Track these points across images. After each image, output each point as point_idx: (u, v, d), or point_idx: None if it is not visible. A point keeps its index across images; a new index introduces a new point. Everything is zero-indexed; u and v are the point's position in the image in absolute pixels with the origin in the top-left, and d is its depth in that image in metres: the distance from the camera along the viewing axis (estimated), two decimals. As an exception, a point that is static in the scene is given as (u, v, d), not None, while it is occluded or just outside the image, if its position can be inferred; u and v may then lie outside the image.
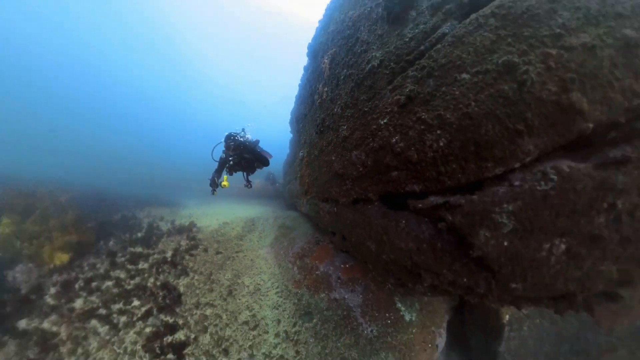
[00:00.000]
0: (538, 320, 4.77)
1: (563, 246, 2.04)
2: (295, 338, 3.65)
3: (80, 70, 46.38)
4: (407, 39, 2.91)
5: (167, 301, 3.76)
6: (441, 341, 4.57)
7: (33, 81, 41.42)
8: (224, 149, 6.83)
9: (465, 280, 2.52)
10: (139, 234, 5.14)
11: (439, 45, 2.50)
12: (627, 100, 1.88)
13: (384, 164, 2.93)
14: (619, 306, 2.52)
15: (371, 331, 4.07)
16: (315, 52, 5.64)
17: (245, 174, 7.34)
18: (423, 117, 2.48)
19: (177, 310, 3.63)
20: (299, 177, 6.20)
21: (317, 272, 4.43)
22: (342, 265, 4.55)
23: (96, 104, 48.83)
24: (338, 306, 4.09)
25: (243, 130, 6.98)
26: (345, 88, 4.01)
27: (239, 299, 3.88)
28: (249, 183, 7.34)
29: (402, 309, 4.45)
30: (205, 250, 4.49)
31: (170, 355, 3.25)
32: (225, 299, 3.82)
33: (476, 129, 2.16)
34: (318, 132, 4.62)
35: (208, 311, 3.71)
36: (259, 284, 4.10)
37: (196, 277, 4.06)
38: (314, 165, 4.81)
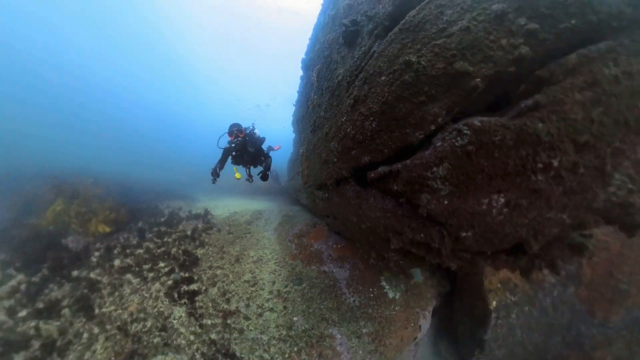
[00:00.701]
0: (527, 308, 4.79)
1: (502, 200, 2.20)
2: (285, 296, 4.36)
3: (72, 70, 44.68)
4: (355, 59, 3.97)
5: (187, 263, 4.74)
6: (425, 323, 4.88)
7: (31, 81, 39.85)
8: (229, 139, 6.89)
9: (422, 235, 2.94)
10: (162, 219, 5.99)
11: (370, 61, 3.41)
12: (509, 53, 2.18)
13: (346, 147, 3.84)
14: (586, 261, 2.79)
15: (353, 301, 4.54)
16: (307, 66, 7.11)
17: (247, 168, 7.45)
18: (362, 111, 3.40)
19: (194, 269, 4.57)
20: (300, 171, 7.05)
21: (311, 249, 5.17)
22: (334, 245, 5.23)
23: (101, 107, 47.94)
24: (326, 277, 4.75)
25: (252, 125, 7.24)
26: (326, 96, 5.14)
27: (244, 265, 4.74)
28: (250, 177, 7.52)
29: (387, 287, 4.87)
30: (219, 230, 5.43)
31: (184, 301, 4.13)
32: (232, 264, 4.71)
33: (392, 109, 2.89)
34: (312, 131, 5.69)
35: (218, 271, 4.61)
36: (261, 256, 4.95)
37: (210, 248, 4.99)
38: (310, 158, 5.79)
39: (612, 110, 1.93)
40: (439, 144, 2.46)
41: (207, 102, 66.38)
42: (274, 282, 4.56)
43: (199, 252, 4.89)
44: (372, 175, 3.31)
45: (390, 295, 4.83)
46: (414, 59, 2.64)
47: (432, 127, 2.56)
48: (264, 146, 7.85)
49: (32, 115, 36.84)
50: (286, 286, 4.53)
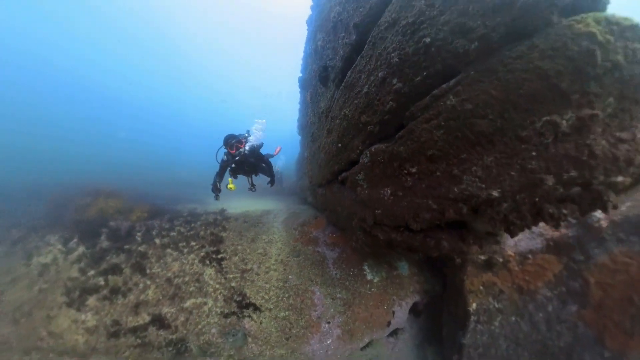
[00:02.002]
0: (514, 319, 3.82)
1: (389, 191, 2.98)
2: (285, 262, 5.10)
3: (72, 71, 39.72)
4: (327, 99, 4.81)
5: (214, 241, 5.47)
6: (400, 312, 4.57)
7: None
8: (225, 151, 6.07)
9: (363, 214, 3.60)
10: (184, 214, 6.38)
11: (333, 104, 4.36)
12: (385, 107, 2.86)
13: (327, 159, 4.70)
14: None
15: (335, 274, 4.90)
16: (303, 85, 7.33)
17: (249, 177, 6.57)
18: (332, 137, 4.37)
19: (220, 246, 5.33)
20: (306, 172, 7.06)
21: (310, 235, 5.34)
22: (329, 234, 5.30)
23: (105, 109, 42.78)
24: (318, 255, 5.24)
25: (248, 132, 6.14)
26: (316, 118, 5.78)
27: (258, 244, 5.35)
28: (253, 186, 6.64)
29: (367, 270, 5.00)
30: (236, 220, 6.01)
31: (214, 264, 4.96)
32: (249, 243, 5.40)
33: (342, 140, 3.92)
34: (311, 140, 6.35)
35: (239, 247, 5.32)
36: (271, 239, 5.47)
37: (231, 233, 5.68)
38: (312, 162, 6.28)
39: (452, 131, 2.16)
40: (360, 160, 3.47)
41: (212, 96, 56.98)
42: (279, 254, 5.25)
43: (223, 234, 5.59)
44: (339, 178, 4.30)
45: (369, 277, 4.94)
46: (346, 112, 3.62)
47: (358, 152, 3.50)
48: (262, 151, 6.86)
49: (33, 119, 32.72)
50: (287, 257, 5.19)
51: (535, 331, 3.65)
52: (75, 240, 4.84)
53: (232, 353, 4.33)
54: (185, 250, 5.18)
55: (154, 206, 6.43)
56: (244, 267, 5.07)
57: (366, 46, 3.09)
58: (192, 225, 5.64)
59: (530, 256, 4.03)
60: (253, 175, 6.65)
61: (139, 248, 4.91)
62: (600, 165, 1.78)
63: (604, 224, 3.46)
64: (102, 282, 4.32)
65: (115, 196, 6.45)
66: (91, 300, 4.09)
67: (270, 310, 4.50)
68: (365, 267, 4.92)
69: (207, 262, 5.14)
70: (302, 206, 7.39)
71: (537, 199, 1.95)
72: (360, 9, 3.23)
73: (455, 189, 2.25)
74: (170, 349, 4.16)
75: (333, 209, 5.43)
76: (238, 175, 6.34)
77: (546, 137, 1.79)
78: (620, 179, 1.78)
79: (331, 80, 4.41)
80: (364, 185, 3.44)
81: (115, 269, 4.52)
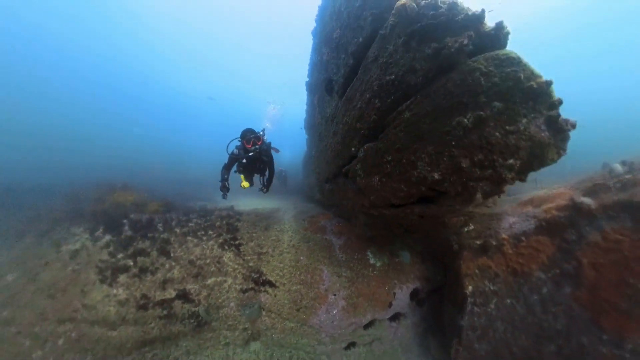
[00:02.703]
0: (509, 301, 3.61)
1: (377, 178, 3.45)
2: (297, 247, 5.14)
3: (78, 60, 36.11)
4: (332, 106, 5.17)
5: (230, 229, 5.50)
6: (401, 294, 4.53)
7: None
8: (238, 144, 5.24)
9: (362, 201, 4.08)
10: (197, 209, 6.18)
11: (337, 112, 4.79)
12: (370, 118, 3.51)
13: (333, 156, 4.95)
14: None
15: (341, 257, 4.92)
16: (310, 90, 7.46)
17: (261, 177, 5.77)
18: (337, 138, 4.75)
19: (237, 234, 5.38)
20: (313, 169, 7.01)
21: (318, 224, 5.42)
22: (336, 224, 5.45)
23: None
24: (326, 241, 5.24)
25: (263, 130, 5.30)
26: (323, 120, 5.95)
27: (271, 232, 5.45)
28: (264, 187, 5.80)
29: (370, 256, 4.99)
30: (248, 215, 5.96)
31: (232, 249, 5.02)
32: (263, 231, 5.47)
33: (344, 140, 4.32)
34: (319, 140, 6.42)
35: (254, 234, 5.34)
36: (282, 228, 5.56)
37: (245, 223, 5.67)
38: (319, 159, 6.40)
39: (408, 131, 2.82)
40: (358, 155, 3.87)
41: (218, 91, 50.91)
42: (290, 240, 5.28)
43: (237, 224, 5.66)
44: (343, 171, 4.48)
45: (372, 261, 4.98)
46: (347, 119, 4.17)
47: (355, 149, 3.94)
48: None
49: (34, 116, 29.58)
50: (298, 242, 5.23)
51: (531, 313, 3.38)
52: (100, 230, 4.92)
53: (246, 326, 4.33)
54: (205, 237, 5.24)
55: (167, 201, 6.22)
56: (259, 250, 5.14)
57: (360, 70, 3.75)
58: (207, 217, 5.64)
59: (523, 238, 3.79)
60: (256, 175, 5.85)
61: (162, 236, 4.99)
62: (496, 150, 2.32)
63: (593, 205, 3.20)
64: (131, 263, 4.45)
65: (130, 190, 6.33)
66: (122, 278, 4.23)
67: (284, 284, 4.61)
68: (369, 253, 4.92)
69: (226, 247, 5.21)
70: (309, 204, 7.24)
71: (463, 179, 2.55)
72: (355, 40, 3.83)
73: (415, 173, 2.86)
74: (192, 321, 4.21)
75: (339, 202, 5.58)
76: (246, 174, 5.57)
77: (459, 131, 2.41)
78: (511, 161, 2.29)
79: (335, 91, 4.89)
80: (361, 175, 3.80)
81: (143, 252, 4.65)
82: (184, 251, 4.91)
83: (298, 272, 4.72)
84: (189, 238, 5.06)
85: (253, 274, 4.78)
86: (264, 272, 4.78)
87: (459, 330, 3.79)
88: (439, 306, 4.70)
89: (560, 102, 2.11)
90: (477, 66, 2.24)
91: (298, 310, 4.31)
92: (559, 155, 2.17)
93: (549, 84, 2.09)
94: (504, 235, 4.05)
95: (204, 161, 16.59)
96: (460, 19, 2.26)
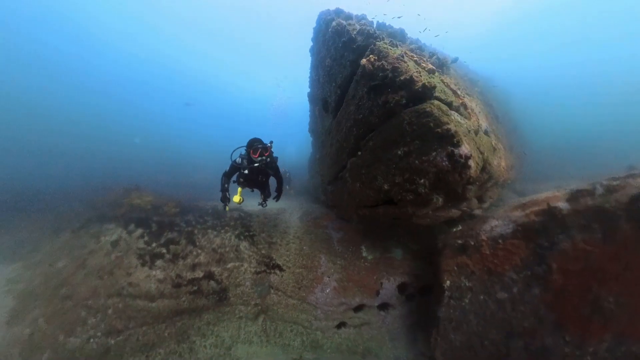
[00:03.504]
0: (482, 297, 3.58)
1: (358, 184, 3.93)
2: (301, 238, 5.36)
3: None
4: (329, 122, 5.33)
5: (244, 225, 5.67)
6: (387, 284, 4.58)
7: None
8: (242, 153, 4.52)
9: (352, 202, 4.54)
10: (209, 211, 6.06)
11: (331, 127, 5.06)
12: (350, 137, 4.18)
13: (332, 162, 5.18)
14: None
15: (337, 249, 5.10)
16: (311, 100, 7.31)
17: (263, 192, 4.94)
18: (334, 148, 4.94)
19: (250, 228, 5.61)
20: (318, 171, 7.03)
21: (321, 224, 5.76)
22: (336, 223, 5.78)
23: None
24: (326, 235, 5.41)
25: (271, 142, 4.58)
26: (324, 130, 5.98)
27: (279, 227, 5.70)
28: (265, 201, 4.95)
29: (364, 250, 5.23)
30: (257, 215, 6.01)
31: (248, 239, 5.33)
32: (272, 227, 5.71)
33: (338, 152, 4.65)
34: (322, 147, 6.42)
35: (265, 228, 5.61)
36: (289, 226, 5.77)
37: (256, 220, 5.80)
38: (323, 163, 6.42)
39: (372, 154, 3.51)
40: (347, 166, 4.29)
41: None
42: (296, 233, 5.49)
43: (250, 223, 5.81)
44: (339, 176, 4.82)
45: (364, 254, 5.10)
46: (338, 138, 4.54)
47: (345, 161, 4.33)
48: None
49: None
50: (302, 235, 5.43)
51: (502, 310, 3.31)
52: (132, 225, 5.22)
53: (257, 302, 4.66)
54: (222, 231, 5.48)
55: (181, 202, 6.15)
56: (270, 240, 5.42)
57: (344, 101, 4.14)
58: (222, 219, 5.73)
59: (500, 241, 3.66)
60: (258, 189, 4.98)
61: (187, 229, 5.31)
62: (415, 172, 2.95)
63: (565, 211, 3.00)
64: (165, 251, 4.88)
65: (144, 193, 6.33)
66: (159, 262, 4.69)
67: (289, 268, 4.93)
68: (363, 247, 5.03)
69: (242, 237, 5.52)
70: (315, 205, 7.09)
71: (400, 190, 3.19)
72: (340, 75, 4.18)
73: (376, 183, 3.45)
74: (215, 296, 4.60)
75: (338, 202, 5.68)
76: (245, 187, 4.74)
77: (396, 158, 3.09)
78: (423, 180, 2.94)
79: (330, 111, 5.19)
80: (349, 181, 4.18)
81: (173, 241, 5.07)
82: (207, 241, 5.26)
83: (301, 258, 5.01)
84: (210, 231, 5.38)
85: (265, 259, 5.13)
86: (274, 257, 5.11)
87: (438, 320, 3.80)
88: (429, 303, 4.69)
89: (458, 143, 2.62)
90: (404, 117, 2.96)
91: (299, 288, 4.65)
92: (461, 177, 2.72)
93: (448, 130, 2.64)
94: (483, 237, 3.93)
95: (203, 163, 15.35)
96: (399, 81, 2.85)
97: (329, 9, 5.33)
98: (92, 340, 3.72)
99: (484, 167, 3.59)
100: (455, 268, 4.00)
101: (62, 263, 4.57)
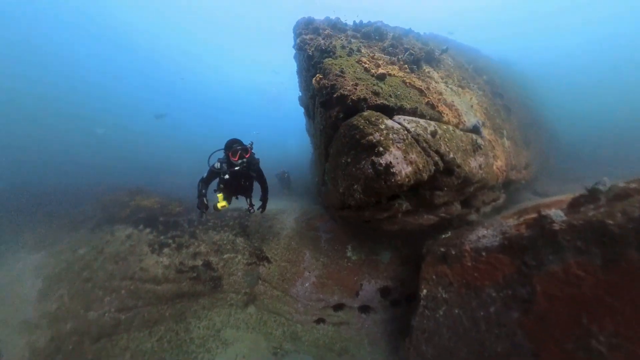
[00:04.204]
0: (457, 312, 3.19)
1: (331, 186, 4.14)
2: (290, 236, 5.29)
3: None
4: (313, 125, 5.05)
5: (241, 225, 5.69)
6: (368, 286, 4.41)
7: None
8: (221, 157, 4.02)
9: (333, 203, 4.35)
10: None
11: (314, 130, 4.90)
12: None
13: (319, 165, 4.92)
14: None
15: (323, 246, 4.96)
16: (304, 105, 6.33)
17: (248, 197, 4.47)
18: (317, 151, 4.99)
19: (246, 228, 5.60)
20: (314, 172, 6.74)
21: (314, 225, 5.45)
22: (328, 225, 5.49)
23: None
24: (315, 235, 5.24)
25: (251, 143, 4.10)
26: (317, 132, 5.36)
27: (274, 229, 5.60)
28: (251, 207, 4.50)
29: (349, 250, 4.91)
30: (256, 215, 5.71)
31: (243, 235, 5.49)
32: (266, 229, 5.61)
33: (319, 156, 4.55)
34: (313, 148, 6.09)
35: (260, 229, 5.60)
36: (285, 226, 5.64)
37: (252, 223, 5.71)
38: (315, 163, 6.01)
39: (335, 159, 3.49)
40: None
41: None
42: (290, 231, 5.41)
43: (247, 223, 5.79)
44: (325, 178, 4.62)
45: (349, 254, 4.89)
46: (318, 143, 4.49)
47: (324, 166, 4.28)
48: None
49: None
50: (293, 233, 5.35)
51: (475, 328, 2.86)
52: (141, 225, 5.51)
53: (247, 291, 4.81)
54: (222, 230, 5.58)
55: (183, 202, 6.11)
56: (262, 237, 5.43)
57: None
58: (223, 219, 5.79)
59: (484, 254, 3.13)
60: (242, 195, 4.44)
61: (189, 229, 5.50)
62: (353, 179, 2.97)
63: (556, 226, 2.38)
64: (171, 241, 5.20)
65: (147, 194, 6.45)
66: (166, 250, 5.02)
67: (276, 261, 4.93)
68: (348, 247, 4.80)
69: (238, 234, 5.63)
70: (315, 206, 6.69)
71: (346, 194, 3.14)
72: (310, 89, 4.06)
73: (338, 187, 3.35)
74: (210, 283, 4.85)
75: (330, 202, 5.35)
76: (227, 193, 4.18)
77: (343, 166, 3.11)
78: (357, 186, 2.96)
79: (310, 116, 5.13)
80: (327, 183, 4.18)
81: (178, 236, 5.33)
82: (207, 237, 5.42)
83: (287, 253, 4.97)
84: (210, 231, 5.55)
85: (257, 251, 5.19)
86: (264, 250, 5.13)
87: (411, 329, 3.48)
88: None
89: (380, 152, 2.58)
90: (341, 130, 3.11)
91: (283, 281, 4.65)
92: (387, 184, 2.60)
93: (371, 140, 2.65)
94: (467, 247, 3.41)
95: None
96: (335, 97, 2.99)
97: (301, 18, 4.97)
98: (106, 314, 4.17)
99: (450, 170, 3.12)
100: (434, 277, 3.57)
101: (82, 251, 5.08)
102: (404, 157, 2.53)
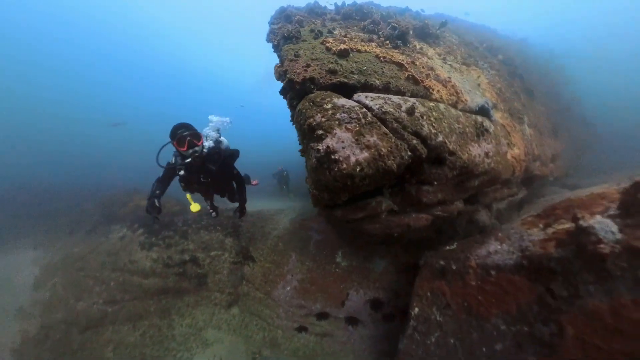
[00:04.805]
0: (453, 342, 2.49)
1: None
2: (280, 236, 4.79)
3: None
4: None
5: (234, 226, 5.26)
6: (355, 296, 3.77)
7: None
8: (177, 150, 3.10)
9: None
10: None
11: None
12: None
13: None
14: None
15: (311, 250, 4.37)
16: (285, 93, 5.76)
17: (208, 197, 3.71)
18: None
19: (239, 229, 5.21)
20: None
21: (307, 225, 4.91)
22: (320, 226, 4.79)
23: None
24: (306, 235, 4.63)
25: (218, 131, 3.38)
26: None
27: (266, 229, 5.13)
28: (214, 209, 3.76)
29: (339, 255, 4.22)
30: (252, 215, 5.47)
31: (233, 235, 5.08)
32: (259, 228, 5.19)
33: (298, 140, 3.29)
34: None
35: (252, 229, 5.17)
36: (277, 227, 5.12)
37: (247, 222, 5.28)
38: None
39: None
40: None
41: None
42: (283, 231, 4.95)
43: (240, 223, 5.33)
44: None
45: (338, 260, 4.21)
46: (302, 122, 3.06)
47: None
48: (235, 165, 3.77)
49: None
50: (283, 234, 4.86)
51: (478, 366, 2.14)
52: (136, 225, 5.31)
53: (231, 291, 4.45)
54: (213, 230, 5.23)
55: (179, 202, 5.82)
56: (252, 236, 5.00)
57: None
58: (217, 218, 5.15)
59: (493, 272, 2.34)
60: (220, 195, 3.68)
61: (182, 228, 5.23)
62: (308, 169, 2.38)
63: (605, 249, 1.56)
64: (161, 242, 4.94)
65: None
66: (155, 248, 4.81)
67: (260, 261, 4.49)
68: (339, 253, 4.14)
69: (228, 234, 5.22)
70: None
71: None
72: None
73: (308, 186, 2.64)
74: (196, 280, 4.56)
75: (313, 202, 4.88)
76: (190, 191, 3.45)
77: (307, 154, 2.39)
78: (308, 179, 2.50)
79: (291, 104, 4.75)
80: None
81: (169, 237, 5.03)
82: (198, 237, 5.08)
83: (273, 254, 4.48)
84: (202, 231, 5.22)
85: (243, 250, 4.79)
86: (250, 250, 4.71)
87: (397, 352, 2.82)
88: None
89: (320, 136, 2.01)
90: (294, 118, 2.58)
91: (265, 282, 4.19)
92: (331, 174, 1.97)
93: (310, 124, 2.12)
94: (472, 262, 2.62)
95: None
96: (285, 83, 2.56)
97: (279, 8, 4.28)
98: (94, 306, 4.06)
99: (440, 159, 2.35)
100: (429, 294, 2.83)
101: (77, 249, 5.10)
102: (356, 139, 1.86)
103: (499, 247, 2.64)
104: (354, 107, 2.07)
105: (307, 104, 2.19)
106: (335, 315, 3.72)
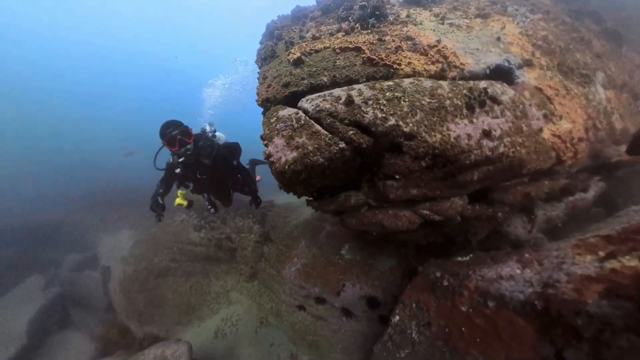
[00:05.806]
0: None
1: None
2: (297, 225, 4.91)
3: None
4: None
5: (262, 215, 5.68)
6: (350, 289, 3.69)
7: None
8: (171, 151, 2.95)
9: None
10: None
11: None
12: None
13: None
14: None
15: (321, 239, 4.24)
16: None
17: (207, 193, 3.37)
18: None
19: (265, 218, 5.60)
20: None
21: (324, 218, 4.83)
22: (334, 220, 4.59)
23: None
24: (320, 225, 4.57)
25: (210, 125, 3.22)
26: None
27: (288, 219, 5.31)
28: (212, 206, 3.44)
29: (345, 248, 4.02)
30: (279, 207, 5.78)
31: (259, 222, 5.52)
32: (282, 219, 5.38)
33: None
34: None
35: (275, 219, 5.45)
36: (299, 217, 5.19)
37: (273, 212, 5.64)
38: None
39: None
40: None
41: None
42: (296, 223, 5.03)
43: (268, 213, 5.71)
44: None
45: (342, 252, 4.00)
46: None
47: None
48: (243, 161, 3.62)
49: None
50: (299, 224, 4.93)
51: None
52: (192, 212, 5.90)
53: (253, 265, 4.96)
54: (246, 218, 5.70)
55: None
56: (274, 224, 5.29)
57: None
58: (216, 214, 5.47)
59: (491, 304, 1.73)
60: (217, 194, 3.42)
61: (223, 216, 5.80)
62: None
63: None
64: (207, 225, 5.69)
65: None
66: (203, 230, 5.63)
67: (276, 244, 4.78)
68: (346, 245, 3.97)
69: (257, 222, 5.59)
70: None
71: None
72: None
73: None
74: (228, 252, 5.27)
75: None
76: (187, 189, 3.29)
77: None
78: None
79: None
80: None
81: (213, 222, 5.74)
82: (232, 224, 5.71)
83: (287, 239, 4.68)
84: (237, 218, 5.77)
85: (265, 234, 5.19)
86: (270, 234, 5.06)
87: (371, 354, 2.52)
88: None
89: (266, 146, 2.03)
90: None
91: (278, 262, 4.48)
92: (274, 174, 2.02)
93: (262, 138, 2.12)
94: (469, 283, 2.00)
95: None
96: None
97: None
98: (162, 261, 5.30)
99: (397, 145, 1.85)
100: (414, 305, 2.37)
101: (155, 228, 6.22)
102: (287, 143, 1.92)
103: (518, 271, 1.90)
104: (289, 116, 2.06)
105: (263, 120, 2.32)
106: (331, 303, 3.67)
